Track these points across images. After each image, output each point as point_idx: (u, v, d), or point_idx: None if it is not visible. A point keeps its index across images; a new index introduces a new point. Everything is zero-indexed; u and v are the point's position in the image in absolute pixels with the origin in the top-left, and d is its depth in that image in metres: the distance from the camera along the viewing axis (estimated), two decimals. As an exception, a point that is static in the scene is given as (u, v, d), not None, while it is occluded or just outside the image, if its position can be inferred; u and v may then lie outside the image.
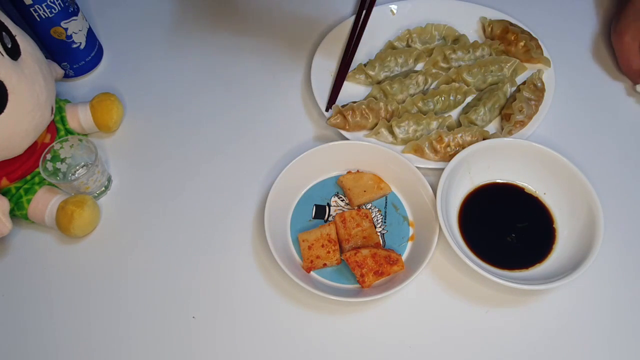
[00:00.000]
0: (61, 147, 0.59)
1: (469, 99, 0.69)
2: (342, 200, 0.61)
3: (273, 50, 0.76)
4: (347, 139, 0.63)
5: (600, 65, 0.73)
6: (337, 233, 0.57)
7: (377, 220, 0.59)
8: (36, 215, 0.57)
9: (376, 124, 0.64)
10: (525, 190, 0.60)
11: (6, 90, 0.49)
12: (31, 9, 0.61)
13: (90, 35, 0.71)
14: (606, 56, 0.74)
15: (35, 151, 0.59)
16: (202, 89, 0.72)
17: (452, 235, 0.53)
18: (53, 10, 0.62)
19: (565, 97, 0.69)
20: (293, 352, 0.52)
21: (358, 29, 0.74)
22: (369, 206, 0.60)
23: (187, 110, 0.70)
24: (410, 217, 0.59)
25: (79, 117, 0.64)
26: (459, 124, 0.66)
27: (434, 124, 0.64)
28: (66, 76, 0.71)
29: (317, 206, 0.60)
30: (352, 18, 0.74)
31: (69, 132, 0.64)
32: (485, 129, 0.65)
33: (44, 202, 0.57)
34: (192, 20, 0.80)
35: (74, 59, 0.70)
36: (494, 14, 0.74)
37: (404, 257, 0.56)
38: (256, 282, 0.56)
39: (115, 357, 0.53)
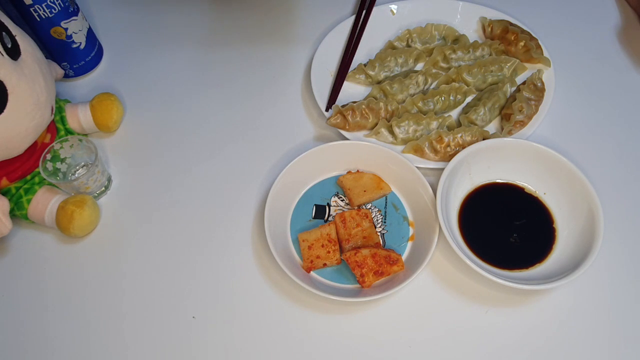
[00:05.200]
0: (61, 147, 0.59)
1: (469, 99, 0.69)
2: (342, 200, 0.61)
3: (273, 50, 0.76)
4: (347, 139, 0.63)
5: (600, 65, 0.73)
6: (337, 233, 0.57)
7: (377, 220, 0.59)
8: (36, 215, 0.57)
9: (376, 124, 0.64)
10: (525, 190, 0.60)
11: (6, 90, 0.49)
12: (31, 9, 0.61)
13: (90, 35, 0.71)
14: (606, 56, 0.74)
15: (35, 151, 0.59)
16: (202, 89, 0.72)
17: (452, 235, 0.53)
18: (53, 10, 0.62)
19: (565, 97, 0.69)
20: (293, 352, 0.52)
21: (358, 29, 0.74)
22: (369, 206, 0.60)
23: (187, 110, 0.70)
24: (410, 217, 0.59)
25: (79, 117, 0.64)
26: (459, 124, 0.66)
27: (434, 124, 0.64)
28: (66, 76, 0.71)
29: (317, 206, 0.60)
30: (352, 18, 0.74)
31: (69, 132, 0.64)
32: (485, 129, 0.65)
33: (44, 202, 0.57)
34: (192, 20, 0.80)
35: (74, 59, 0.70)
36: (494, 14, 0.74)
37: (404, 257, 0.56)
38: (256, 282, 0.56)
39: (115, 357, 0.53)
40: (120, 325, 0.54)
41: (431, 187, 0.57)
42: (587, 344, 0.52)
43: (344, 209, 0.60)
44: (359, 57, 0.72)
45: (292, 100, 0.71)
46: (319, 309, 0.54)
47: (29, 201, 0.57)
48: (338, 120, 0.63)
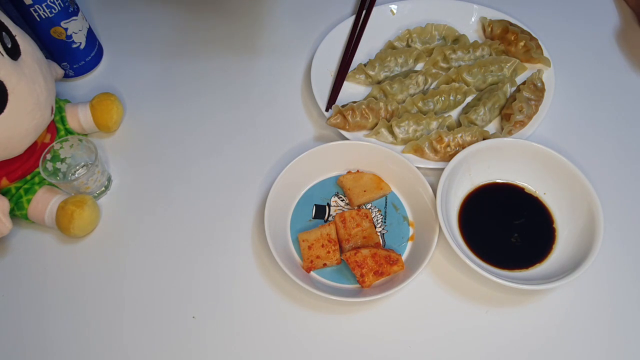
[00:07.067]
0: (61, 147, 0.59)
1: (469, 99, 0.69)
2: (342, 200, 0.61)
3: (273, 50, 0.76)
4: (347, 139, 0.63)
5: (600, 65, 0.73)
6: (337, 233, 0.57)
7: (377, 220, 0.59)
8: (36, 215, 0.57)
9: (376, 124, 0.64)
10: (525, 190, 0.60)
11: (6, 90, 0.49)
12: (31, 9, 0.61)
13: (90, 35, 0.71)
14: (606, 56, 0.74)
15: (35, 151, 0.59)
16: (201, 88, 0.72)
17: (452, 235, 0.53)
18: (53, 10, 0.62)
19: (565, 97, 0.69)
20: (293, 352, 0.52)
21: (358, 29, 0.74)
22: (369, 206, 0.60)
23: (187, 110, 0.70)
24: (410, 217, 0.59)
25: (79, 117, 0.64)
26: (459, 124, 0.66)
27: (434, 124, 0.64)
28: (66, 76, 0.71)
29: (317, 206, 0.60)
30: (352, 18, 0.74)
31: (69, 132, 0.64)
32: (485, 129, 0.65)
33: (44, 202, 0.57)
34: (192, 20, 0.80)
35: (74, 59, 0.70)
36: (494, 14, 0.74)
37: (404, 257, 0.56)
38: (256, 282, 0.56)
39: (115, 357, 0.53)
40: (120, 325, 0.54)
41: (431, 187, 0.57)
42: (587, 344, 0.52)
43: (344, 209, 0.60)
44: (359, 57, 0.72)
45: (292, 100, 0.71)
46: (319, 309, 0.54)
47: (29, 201, 0.57)
48: (338, 120, 0.63)
